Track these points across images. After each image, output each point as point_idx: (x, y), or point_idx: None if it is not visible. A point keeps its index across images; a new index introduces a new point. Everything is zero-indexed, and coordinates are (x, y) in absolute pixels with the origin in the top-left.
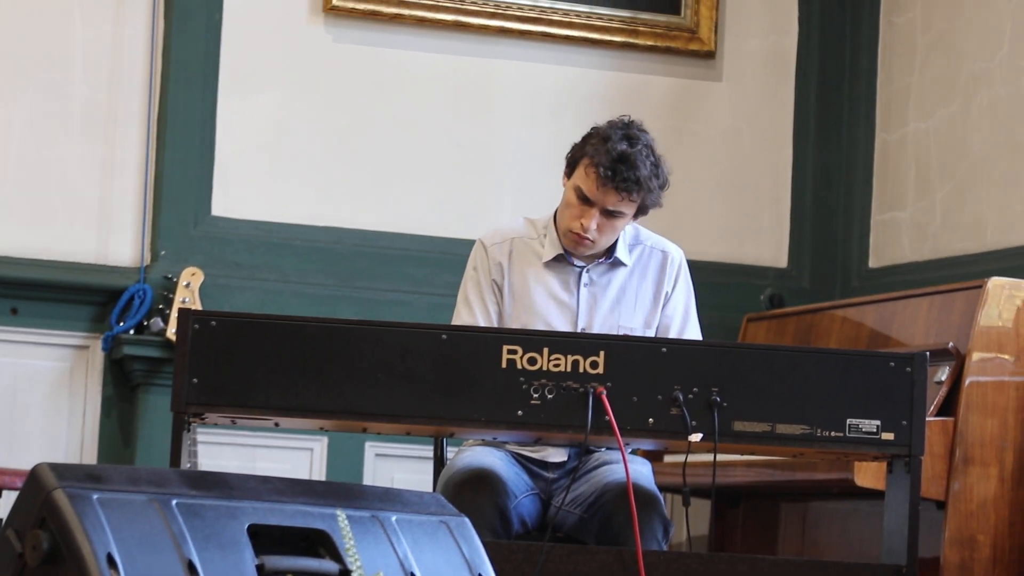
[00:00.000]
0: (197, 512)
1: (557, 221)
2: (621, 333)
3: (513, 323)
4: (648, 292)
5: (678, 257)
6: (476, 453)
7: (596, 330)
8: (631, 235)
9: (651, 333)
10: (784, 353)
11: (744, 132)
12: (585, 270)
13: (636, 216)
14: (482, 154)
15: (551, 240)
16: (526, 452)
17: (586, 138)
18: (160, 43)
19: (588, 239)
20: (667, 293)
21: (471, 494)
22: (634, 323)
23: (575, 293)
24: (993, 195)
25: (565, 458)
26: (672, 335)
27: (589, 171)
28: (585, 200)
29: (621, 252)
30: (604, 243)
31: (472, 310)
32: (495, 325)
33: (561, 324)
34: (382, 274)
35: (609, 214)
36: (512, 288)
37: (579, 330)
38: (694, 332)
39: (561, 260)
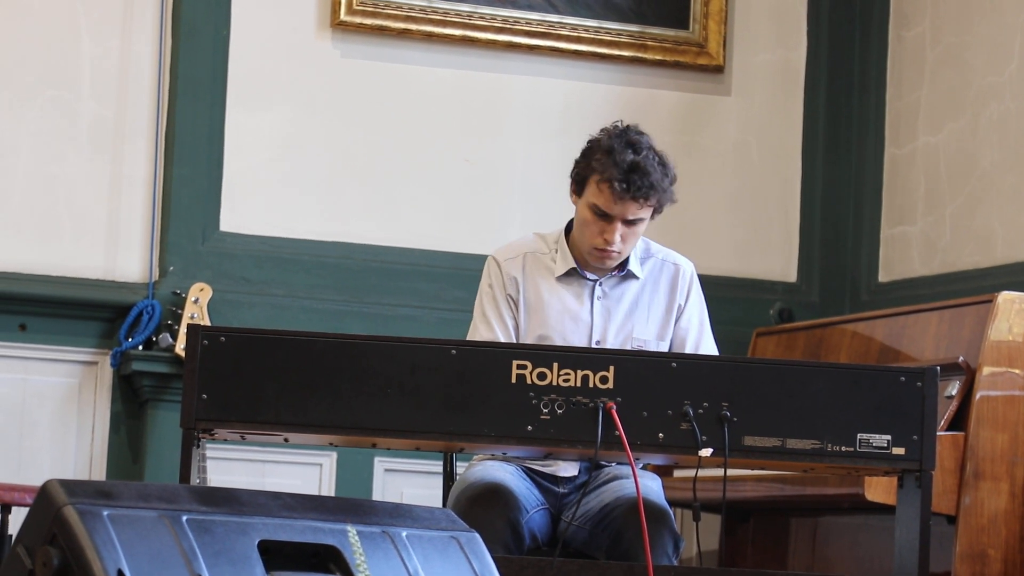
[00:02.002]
0: (207, 528)
1: (577, 240)
2: (635, 345)
3: (528, 337)
4: (661, 304)
5: (689, 270)
6: (487, 467)
7: (610, 343)
8: (642, 248)
9: (664, 345)
10: (794, 368)
11: (753, 146)
12: (598, 283)
13: (652, 216)
14: (491, 168)
15: (563, 254)
16: (537, 466)
17: (588, 153)
18: (168, 59)
19: (615, 252)
20: (680, 306)
21: (484, 509)
22: (647, 335)
23: (589, 306)
24: (1003, 209)
25: (576, 472)
26: (689, 347)
27: (603, 187)
28: (604, 216)
29: (633, 265)
30: (628, 251)
31: (491, 325)
32: (514, 339)
33: (576, 337)
34: (391, 289)
35: (629, 223)
36: (527, 302)
37: (593, 343)
38: (709, 343)
39: (573, 274)
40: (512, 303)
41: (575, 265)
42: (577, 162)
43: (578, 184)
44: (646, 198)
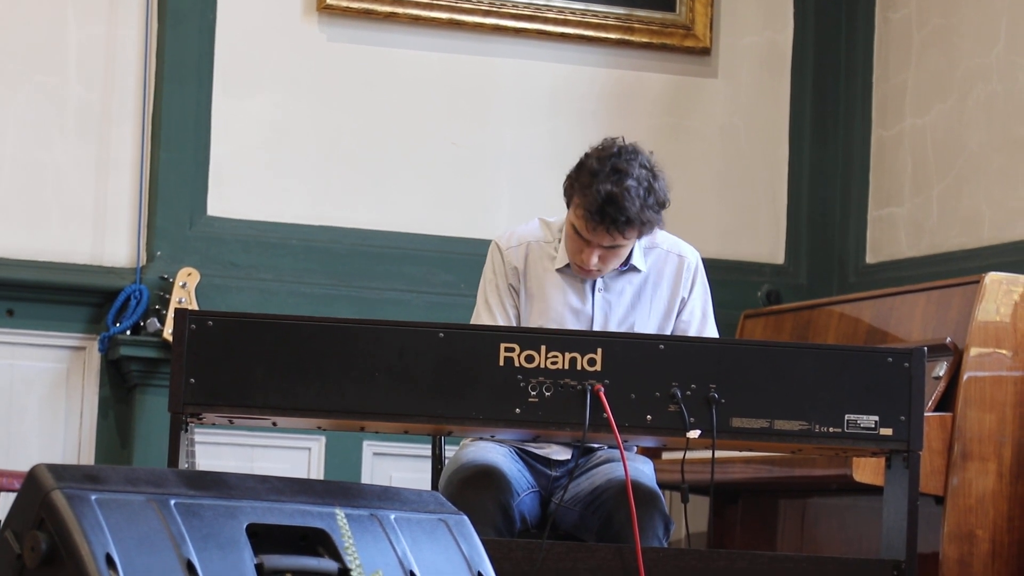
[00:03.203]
0: (196, 512)
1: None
2: None
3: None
4: (663, 297)
5: (694, 260)
6: (480, 448)
7: None
8: (647, 239)
9: None
10: (782, 349)
11: (740, 129)
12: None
13: (640, 236)
14: (478, 152)
15: (564, 245)
16: (530, 448)
17: (578, 170)
18: (154, 43)
19: (593, 271)
20: (683, 298)
21: (475, 492)
22: (649, 328)
23: (589, 298)
24: (990, 190)
25: (569, 456)
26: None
27: (579, 212)
28: (582, 238)
29: (636, 258)
30: (610, 268)
31: (492, 312)
32: (514, 326)
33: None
34: (379, 273)
35: (608, 248)
36: (528, 292)
37: None
38: (712, 334)
39: None
40: (513, 291)
41: None
42: (568, 175)
43: (566, 198)
44: (619, 231)
